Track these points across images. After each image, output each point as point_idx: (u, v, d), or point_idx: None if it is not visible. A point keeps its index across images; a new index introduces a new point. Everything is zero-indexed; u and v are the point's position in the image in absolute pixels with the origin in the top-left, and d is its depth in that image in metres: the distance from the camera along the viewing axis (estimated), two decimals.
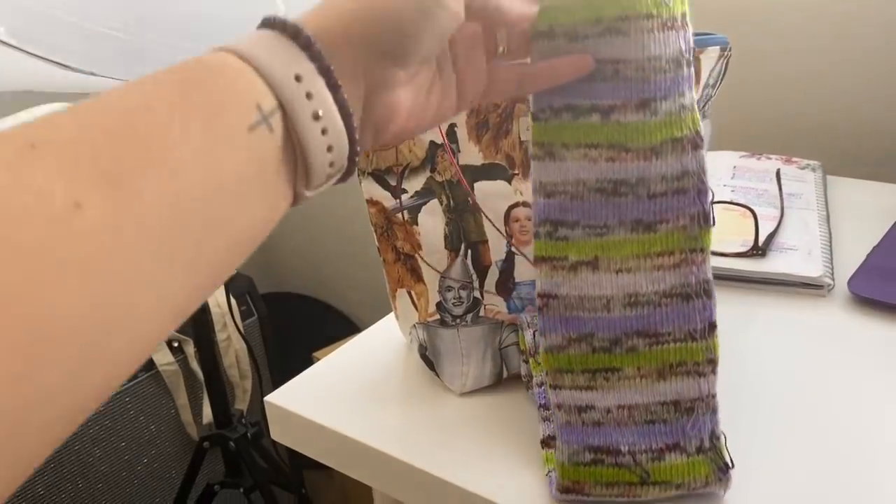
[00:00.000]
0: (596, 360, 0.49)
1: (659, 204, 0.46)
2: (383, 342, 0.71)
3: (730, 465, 0.48)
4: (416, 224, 0.60)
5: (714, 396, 0.48)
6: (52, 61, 0.65)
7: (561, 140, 0.47)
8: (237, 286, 1.60)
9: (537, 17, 0.44)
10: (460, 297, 0.61)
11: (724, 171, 0.98)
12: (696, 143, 0.46)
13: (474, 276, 0.61)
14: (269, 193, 0.32)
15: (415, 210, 0.60)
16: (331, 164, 0.34)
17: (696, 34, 0.57)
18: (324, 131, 0.32)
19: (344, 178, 0.35)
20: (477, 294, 0.61)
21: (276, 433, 0.67)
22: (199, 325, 1.24)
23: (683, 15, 0.44)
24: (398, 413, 0.62)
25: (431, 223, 0.60)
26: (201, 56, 0.31)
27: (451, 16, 0.36)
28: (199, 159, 0.28)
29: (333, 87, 0.33)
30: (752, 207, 0.84)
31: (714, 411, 0.48)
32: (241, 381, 1.59)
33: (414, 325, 0.64)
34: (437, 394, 0.64)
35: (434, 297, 0.62)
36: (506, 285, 0.61)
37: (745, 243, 0.79)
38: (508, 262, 0.61)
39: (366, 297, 1.83)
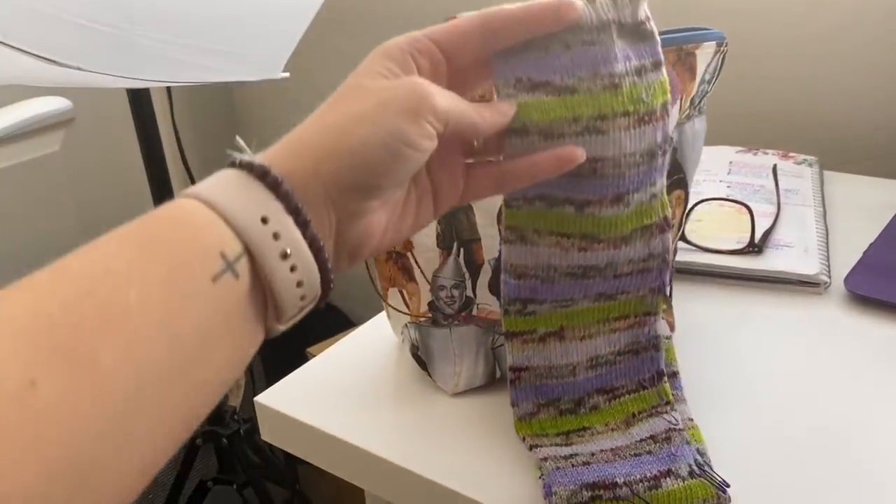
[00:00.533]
0: (565, 423, 0.52)
1: (623, 281, 0.49)
2: (375, 341, 0.71)
3: (726, 484, 0.48)
4: None
5: (682, 430, 0.50)
6: (36, 55, 0.64)
7: (533, 226, 0.47)
8: None
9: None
10: (453, 297, 0.61)
11: (720, 166, 0.97)
12: (663, 228, 0.47)
13: (467, 275, 0.60)
14: (238, 337, 0.31)
15: None
16: (302, 298, 0.33)
17: (692, 29, 0.56)
18: (293, 268, 0.32)
19: (320, 303, 0.35)
20: (469, 293, 0.61)
21: (267, 433, 0.66)
22: None
23: (664, 104, 0.44)
24: (390, 414, 0.61)
25: None
26: (166, 204, 0.31)
27: (423, 153, 0.36)
28: (160, 320, 0.28)
29: (302, 223, 0.32)
30: (749, 204, 0.83)
31: (688, 441, 0.50)
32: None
33: (406, 325, 0.63)
34: (430, 394, 0.63)
35: (426, 297, 0.61)
36: (498, 284, 0.61)
37: (742, 240, 0.79)
38: (500, 261, 0.60)
39: (361, 291, 1.82)
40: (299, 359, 0.79)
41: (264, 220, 0.31)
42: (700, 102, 0.61)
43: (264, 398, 0.65)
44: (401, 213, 0.40)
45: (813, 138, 1.09)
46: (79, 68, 0.67)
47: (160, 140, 1.06)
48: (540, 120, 0.42)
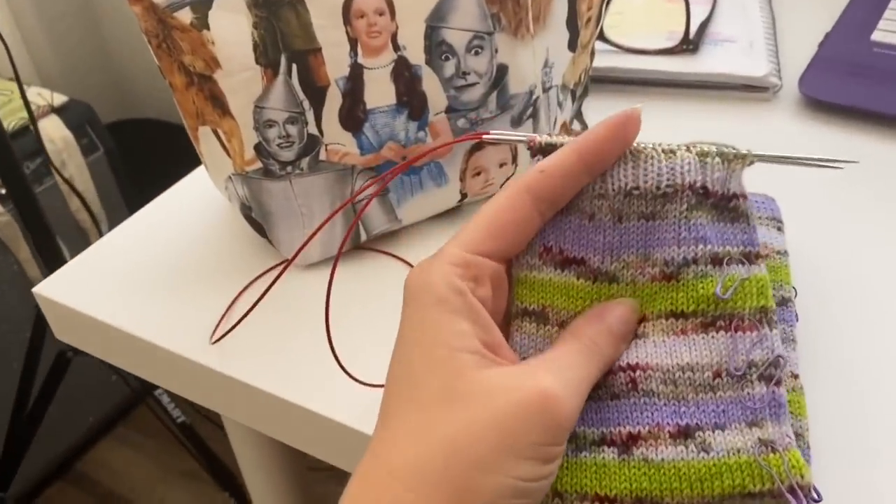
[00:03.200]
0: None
1: None
2: (196, 202, 0.53)
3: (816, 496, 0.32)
4: (208, 28, 0.40)
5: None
6: None
7: (557, 487, 0.32)
8: (73, 116, 1.35)
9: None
10: (288, 136, 0.43)
11: None
12: None
13: (305, 104, 0.42)
14: None
15: (202, 5, 0.40)
16: None
17: None
18: None
19: None
20: (313, 129, 0.43)
21: (59, 330, 0.49)
22: (9, 175, 1.01)
23: (760, 311, 0.32)
24: (219, 298, 0.45)
25: (231, 26, 0.40)
26: None
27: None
28: None
29: None
30: None
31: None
32: (93, 225, 1.38)
33: (229, 177, 0.45)
34: (275, 268, 0.47)
35: (250, 137, 0.43)
36: (353, 114, 0.43)
37: (673, 37, 0.63)
38: (355, 81, 0.42)
39: None
40: None
41: None
42: None
43: (45, 289, 0.47)
44: None
45: None
46: None
47: None
48: (564, 308, 0.32)
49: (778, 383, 0.30)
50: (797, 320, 0.38)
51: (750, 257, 0.32)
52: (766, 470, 0.29)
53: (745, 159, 0.32)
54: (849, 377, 0.38)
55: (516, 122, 0.46)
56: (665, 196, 0.31)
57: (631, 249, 0.32)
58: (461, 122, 0.45)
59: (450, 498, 0.27)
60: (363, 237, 0.47)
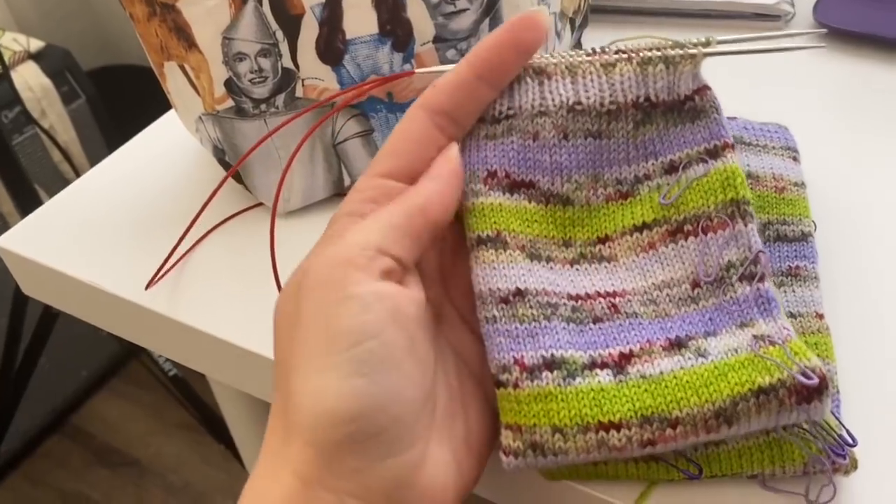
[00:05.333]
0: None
1: None
2: (165, 145, 0.49)
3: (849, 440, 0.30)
4: None
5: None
6: None
7: (551, 422, 0.29)
8: (51, 63, 1.30)
9: None
10: (261, 70, 0.39)
11: None
12: (806, 392, 0.27)
13: (279, 35, 0.38)
14: None
15: None
16: None
17: None
18: None
19: None
20: (287, 63, 0.39)
21: (26, 285, 0.46)
22: None
23: (731, 203, 0.30)
24: (201, 251, 0.42)
25: None
26: None
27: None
28: None
29: None
30: None
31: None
32: (75, 177, 1.34)
33: (199, 117, 0.42)
34: (253, 216, 0.44)
35: (220, 72, 0.39)
36: (331, 45, 0.39)
37: None
38: (332, 8, 0.38)
39: None
40: None
41: None
42: None
43: (8, 241, 0.44)
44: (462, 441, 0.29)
45: None
46: None
47: None
48: (521, 232, 0.30)
49: (762, 280, 0.28)
50: (815, 252, 0.36)
51: (715, 152, 0.30)
52: (771, 361, 0.27)
53: (695, 58, 0.30)
54: (876, 317, 0.36)
55: None
56: (609, 114, 0.30)
57: (581, 170, 0.31)
58: (450, 54, 0.41)
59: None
60: (346, 181, 0.44)
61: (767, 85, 0.51)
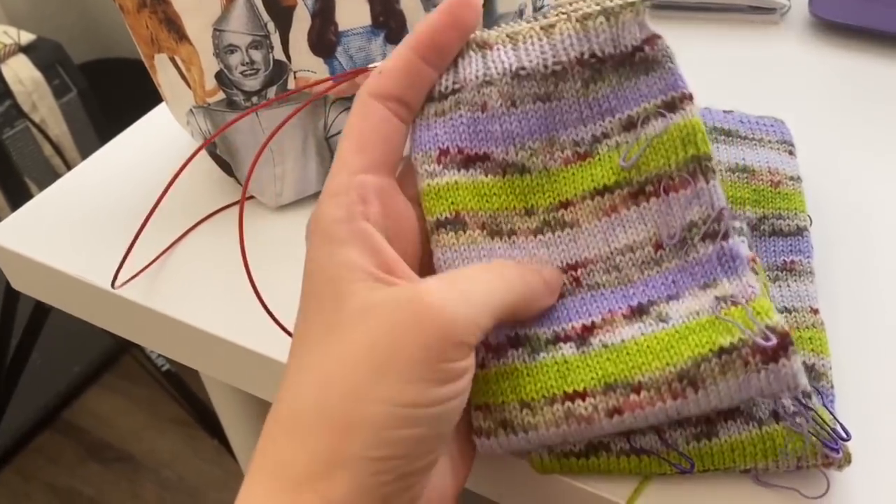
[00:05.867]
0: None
1: None
2: (156, 139, 0.49)
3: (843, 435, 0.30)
4: None
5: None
6: None
7: (519, 396, 0.29)
8: (42, 56, 1.29)
9: None
10: (252, 62, 0.39)
11: None
12: (770, 351, 0.27)
13: (270, 27, 0.38)
14: None
15: None
16: None
17: None
18: None
19: None
20: (279, 55, 0.39)
21: (15, 280, 0.46)
22: None
23: (692, 161, 0.29)
24: (193, 245, 0.42)
25: None
26: None
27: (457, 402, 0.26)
28: None
29: None
30: None
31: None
32: (67, 169, 1.33)
33: (191, 110, 0.41)
34: (245, 210, 0.44)
35: (210, 65, 0.39)
36: (324, 37, 0.39)
37: None
38: (324, 0, 0.38)
39: None
40: None
41: None
42: None
43: None
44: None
45: None
46: None
47: None
48: (480, 209, 0.30)
49: (725, 237, 0.28)
50: (811, 247, 0.35)
51: (673, 104, 0.29)
52: (731, 322, 0.26)
53: (634, 6, 0.29)
54: (872, 312, 0.35)
55: None
56: (555, 75, 0.30)
57: (534, 136, 0.30)
58: None
59: (329, 437, 0.24)
60: None
61: (764, 78, 0.50)
